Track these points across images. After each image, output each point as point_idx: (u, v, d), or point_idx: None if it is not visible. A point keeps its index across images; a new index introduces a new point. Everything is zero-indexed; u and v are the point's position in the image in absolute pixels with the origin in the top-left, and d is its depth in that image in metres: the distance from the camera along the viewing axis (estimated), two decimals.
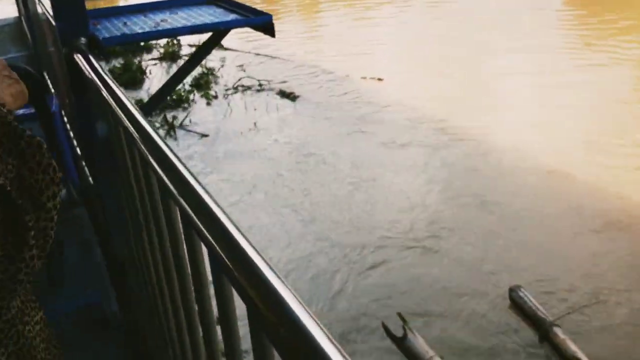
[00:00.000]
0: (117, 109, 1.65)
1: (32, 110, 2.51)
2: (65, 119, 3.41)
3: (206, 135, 6.06)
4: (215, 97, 7.16)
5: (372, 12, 11.41)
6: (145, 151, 1.38)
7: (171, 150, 1.22)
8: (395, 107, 6.50)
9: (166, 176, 1.23)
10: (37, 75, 2.29)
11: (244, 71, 8.02)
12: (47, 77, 5.56)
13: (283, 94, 7.07)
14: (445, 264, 3.85)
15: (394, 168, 5.25)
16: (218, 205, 0.87)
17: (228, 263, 0.69)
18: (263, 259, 0.66)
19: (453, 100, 6.54)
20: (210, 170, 5.37)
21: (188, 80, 7.65)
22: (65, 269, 2.22)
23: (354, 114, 6.35)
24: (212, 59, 8.40)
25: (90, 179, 3.19)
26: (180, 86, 7.40)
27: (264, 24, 2.19)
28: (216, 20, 2.26)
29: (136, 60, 8.51)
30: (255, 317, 0.64)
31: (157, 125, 6.44)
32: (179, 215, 1.12)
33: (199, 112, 6.69)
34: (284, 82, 7.62)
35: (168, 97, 7.01)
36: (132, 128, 1.49)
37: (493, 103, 6.52)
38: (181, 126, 6.29)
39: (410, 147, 5.60)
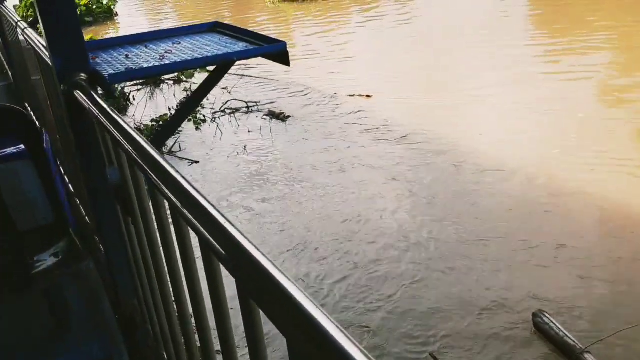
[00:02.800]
0: (131, 148, 1.50)
1: (22, 148, 2.33)
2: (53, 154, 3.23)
3: (196, 162, 5.88)
4: (204, 121, 6.99)
5: (343, 27, 11.43)
6: (169, 193, 1.24)
7: (198, 191, 1.07)
8: (388, 126, 6.40)
9: (180, 203, 1.10)
10: (28, 115, 2.11)
11: (230, 93, 7.86)
12: (30, 109, 5.35)
13: (273, 115, 6.93)
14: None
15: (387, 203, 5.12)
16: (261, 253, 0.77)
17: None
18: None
19: (442, 117, 6.50)
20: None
21: (174, 104, 7.48)
22: (73, 323, 2.05)
23: (346, 134, 6.23)
24: (195, 82, 8.25)
25: (86, 217, 3.00)
26: (166, 111, 7.23)
27: (278, 52, 2.05)
28: (228, 50, 2.11)
29: (118, 86, 8.30)
30: None
31: None
32: (220, 266, 0.99)
33: (188, 138, 6.51)
34: (272, 102, 7.49)
35: (155, 124, 6.84)
36: (150, 171, 1.35)
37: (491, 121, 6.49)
38: (170, 153, 6.11)
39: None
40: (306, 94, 7.65)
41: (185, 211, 1.12)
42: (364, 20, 11.65)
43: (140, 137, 1.50)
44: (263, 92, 7.93)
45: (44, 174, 2.28)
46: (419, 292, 3.70)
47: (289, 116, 6.83)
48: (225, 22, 2.63)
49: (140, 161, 1.45)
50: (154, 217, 1.64)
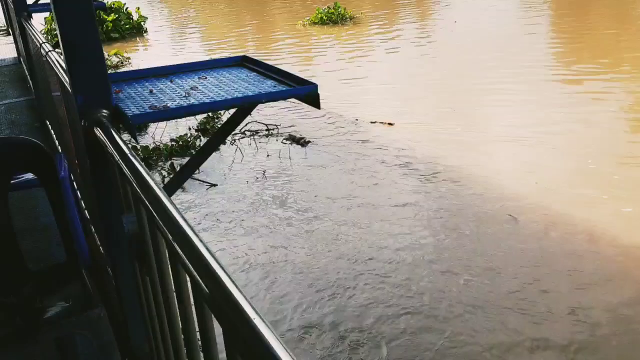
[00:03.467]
0: (150, 204, 1.41)
1: (35, 179, 2.25)
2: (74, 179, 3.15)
3: (214, 185, 5.80)
4: (223, 142, 6.92)
5: (370, 52, 11.34)
6: (172, 240, 1.16)
7: (203, 242, 1.09)
8: (415, 158, 6.28)
9: (197, 273, 1.04)
10: (42, 147, 2.03)
11: (250, 115, 7.76)
12: (50, 126, 5.32)
13: (293, 139, 6.85)
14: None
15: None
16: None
17: None
18: None
19: (475, 152, 6.32)
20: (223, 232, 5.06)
21: (194, 124, 7.43)
22: None
23: (368, 165, 6.10)
24: None
25: (101, 248, 2.91)
26: (186, 131, 7.18)
27: (309, 94, 1.95)
28: (256, 90, 2.02)
29: None
30: None
31: (164, 173, 6.18)
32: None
33: (207, 159, 6.39)
34: (292, 126, 7.41)
35: (174, 144, 6.78)
36: (169, 233, 1.26)
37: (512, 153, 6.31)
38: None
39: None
40: (328, 118, 7.57)
41: (204, 285, 1.03)
42: (390, 46, 11.52)
43: (162, 191, 1.41)
44: (284, 114, 7.86)
45: (58, 211, 2.20)
46: None
47: (309, 141, 6.75)
48: (252, 54, 2.54)
49: (158, 219, 1.35)
50: (169, 270, 1.55)
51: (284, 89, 1.99)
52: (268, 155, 6.51)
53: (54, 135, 4.97)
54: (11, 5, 7.20)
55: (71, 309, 1.94)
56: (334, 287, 4.03)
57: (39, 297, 1.99)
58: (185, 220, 1.27)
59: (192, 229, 1.21)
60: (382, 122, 7.19)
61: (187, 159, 6.70)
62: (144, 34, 14.81)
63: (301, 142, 6.69)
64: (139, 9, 15.32)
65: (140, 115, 1.78)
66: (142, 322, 1.87)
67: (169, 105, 1.95)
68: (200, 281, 1.04)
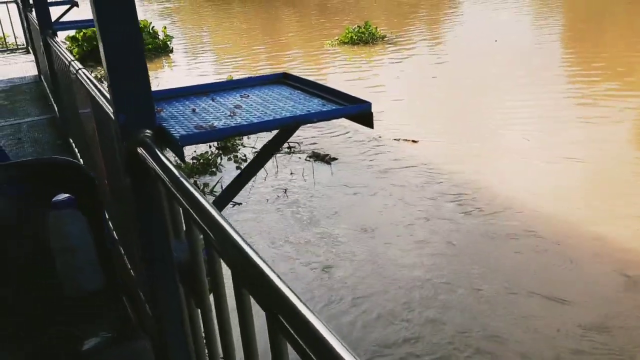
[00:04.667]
0: (206, 226, 1.31)
1: (73, 199, 2.16)
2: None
3: (239, 204, 5.72)
4: (245, 160, 6.85)
5: (394, 69, 11.24)
6: (238, 269, 1.07)
7: (274, 271, 1.00)
8: (438, 178, 6.13)
9: (275, 307, 0.94)
10: (84, 168, 1.94)
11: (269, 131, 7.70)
12: (74, 144, 5.27)
13: (317, 157, 6.76)
14: None
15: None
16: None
17: None
18: None
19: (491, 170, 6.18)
20: None
21: (214, 142, 7.37)
22: None
23: (395, 186, 5.95)
24: None
25: (131, 271, 2.81)
26: (207, 149, 7.12)
27: (361, 113, 1.85)
28: (305, 108, 1.93)
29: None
30: None
31: None
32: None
33: (231, 177, 6.34)
34: (314, 143, 7.32)
35: (195, 162, 6.72)
36: (217, 243, 1.18)
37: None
38: (212, 193, 5.96)
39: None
40: (349, 136, 7.47)
41: (284, 321, 0.92)
42: (417, 63, 11.38)
43: (220, 214, 1.31)
44: (305, 130, 7.78)
45: (98, 233, 2.11)
46: None
47: (334, 158, 6.65)
48: (293, 73, 2.46)
49: (217, 244, 1.25)
50: (226, 302, 1.45)
51: (336, 107, 1.89)
52: (292, 174, 6.42)
53: (78, 154, 4.92)
54: (34, 23, 7.22)
55: (113, 340, 1.84)
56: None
57: (77, 326, 1.90)
58: (250, 246, 1.17)
59: (259, 256, 1.12)
60: (406, 140, 7.09)
61: (208, 177, 6.63)
62: (170, 54, 14.61)
63: (326, 159, 6.59)
64: (165, 28, 15.22)
65: (189, 136, 1.69)
66: (187, 357, 1.77)
67: (215, 125, 1.87)
68: (283, 319, 0.93)
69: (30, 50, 11.02)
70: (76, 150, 5.02)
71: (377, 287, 4.24)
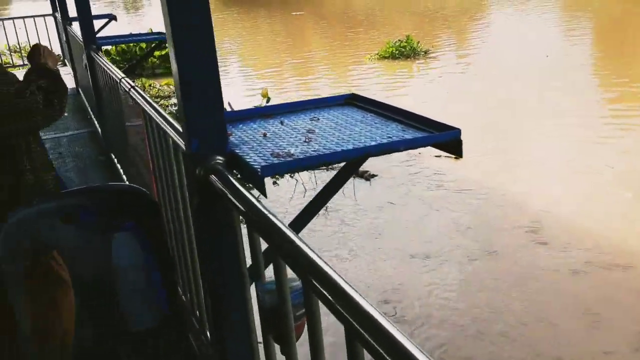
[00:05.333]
0: (286, 253, 1.20)
1: (137, 228, 2.06)
2: None
3: None
4: (282, 175, 6.76)
5: (438, 83, 11.07)
6: (349, 317, 0.96)
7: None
8: (482, 194, 5.94)
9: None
10: (149, 195, 1.84)
11: None
12: (115, 160, 5.22)
13: (357, 173, 6.62)
14: None
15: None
16: None
17: None
18: None
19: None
20: None
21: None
22: None
23: (439, 203, 5.78)
24: None
25: (184, 297, 2.70)
26: None
27: (450, 141, 1.72)
28: (387, 136, 1.80)
29: None
30: None
31: None
32: None
33: (268, 194, 6.21)
34: None
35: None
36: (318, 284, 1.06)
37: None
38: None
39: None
40: None
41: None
42: (461, 78, 11.09)
43: (313, 251, 1.20)
44: None
45: (162, 261, 2.00)
46: None
47: (374, 175, 6.52)
48: (361, 94, 2.34)
49: (317, 284, 1.13)
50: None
51: (422, 135, 1.76)
52: (344, 195, 6.30)
53: (121, 170, 4.87)
54: (75, 37, 7.24)
55: None
56: None
57: None
58: (352, 287, 1.05)
59: (366, 300, 0.99)
60: (447, 156, 6.93)
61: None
62: None
63: (365, 175, 6.46)
64: None
65: (270, 166, 1.57)
66: None
67: (292, 152, 1.75)
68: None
69: (67, 63, 11.12)
70: (118, 166, 4.97)
71: None
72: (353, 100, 2.31)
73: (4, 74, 1.96)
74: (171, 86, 12.03)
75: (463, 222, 5.43)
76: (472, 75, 11.41)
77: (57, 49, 11.97)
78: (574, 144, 7.23)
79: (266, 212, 1.40)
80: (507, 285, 4.32)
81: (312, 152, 1.71)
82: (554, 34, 15.18)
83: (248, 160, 1.70)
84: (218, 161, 1.77)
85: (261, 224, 1.42)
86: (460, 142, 1.72)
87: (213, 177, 1.73)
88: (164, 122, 2.35)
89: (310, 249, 1.19)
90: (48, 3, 11.21)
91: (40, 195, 1.96)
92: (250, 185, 1.86)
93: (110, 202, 1.93)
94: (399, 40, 12.86)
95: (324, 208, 5.98)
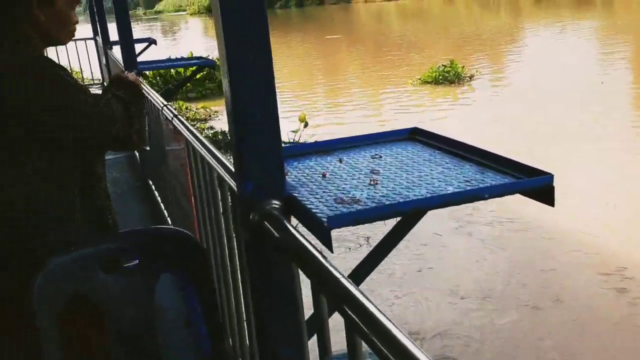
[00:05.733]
0: (360, 322, 1.01)
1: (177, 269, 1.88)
2: None
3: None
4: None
5: (461, 110, 10.78)
6: None
7: None
8: (530, 226, 5.59)
9: None
10: (196, 240, 1.67)
11: None
12: (153, 186, 5.10)
13: None
14: None
15: None
16: None
17: None
18: None
19: None
20: None
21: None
22: None
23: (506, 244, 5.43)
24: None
25: (227, 342, 2.51)
26: None
27: (540, 187, 1.50)
28: (465, 179, 1.59)
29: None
30: None
31: None
32: None
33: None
34: None
35: None
36: None
37: None
38: None
39: None
40: None
41: None
42: (512, 106, 10.63)
43: (386, 317, 1.00)
44: None
45: (209, 308, 1.83)
46: None
47: None
48: (422, 127, 2.14)
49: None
50: None
51: (508, 181, 1.54)
52: (385, 224, 5.98)
53: (158, 197, 4.75)
54: (116, 61, 7.24)
55: None
56: None
57: None
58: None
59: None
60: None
61: None
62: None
63: None
64: None
65: (338, 217, 1.38)
66: None
67: (357, 197, 1.55)
68: None
69: None
70: (156, 193, 4.85)
71: None
72: (416, 135, 2.11)
73: (81, 86, 1.84)
74: (208, 109, 12.03)
75: (516, 259, 5.14)
76: (516, 99, 11.04)
77: (97, 73, 12.13)
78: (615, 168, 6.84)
79: (338, 275, 1.21)
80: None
81: (381, 198, 1.51)
82: (593, 59, 14.77)
83: (309, 206, 1.51)
84: (274, 206, 1.58)
85: (328, 283, 1.23)
86: (552, 189, 1.50)
87: (268, 223, 1.55)
88: (211, 158, 2.19)
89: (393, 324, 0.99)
90: (89, 26, 11.36)
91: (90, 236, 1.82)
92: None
93: (153, 245, 1.76)
94: (443, 65, 12.51)
95: (366, 239, 5.76)
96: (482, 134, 8.56)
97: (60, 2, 1.81)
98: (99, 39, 10.88)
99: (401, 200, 1.47)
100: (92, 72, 12.31)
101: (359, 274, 1.76)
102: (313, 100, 12.91)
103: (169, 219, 4.24)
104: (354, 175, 1.75)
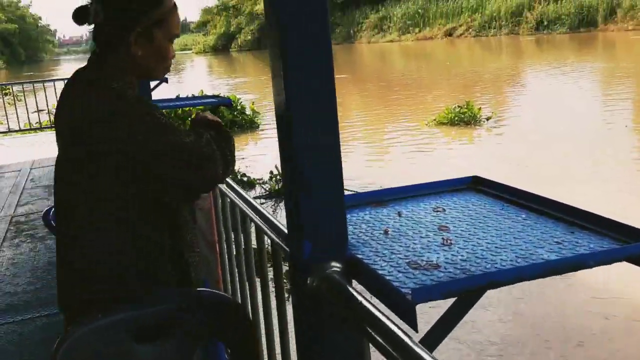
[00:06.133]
0: None
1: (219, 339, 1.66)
2: None
3: None
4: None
5: (476, 153, 10.57)
6: None
7: None
8: None
9: None
10: (241, 307, 1.49)
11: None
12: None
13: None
14: None
15: None
16: None
17: None
18: None
19: None
20: None
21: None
22: None
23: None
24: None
25: None
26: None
27: None
28: (555, 240, 1.37)
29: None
30: None
31: None
32: None
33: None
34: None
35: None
36: None
37: None
38: None
39: None
40: None
41: None
42: (531, 150, 10.25)
43: None
44: None
45: None
46: None
47: None
48: (485, 177, 1.93)
49: None
50: None
51: (616, 246, 1.32)
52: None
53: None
54: None
55: None
56: None
57: None
58: None
59: None
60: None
61: None
62: (257, 130, 13.77)
63: None
64: (253, 103, 14.58)
65: (425, 290, 1.15)
66: None
67: (433, 260, 1.33)
68: None
69: None
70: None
71: None
72: (478, 184, 1.90)
73: (177, 126, 1.69)
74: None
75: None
76: (540, 146, 10.64)
77: None
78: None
79: (421, 351, 0.99)
80: None
81: (463, 263, 1.30)
82: (599, 101, 14.67)
83: (381, 272, 1.29)
84: (335, 269, 1.37)
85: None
86: None
87: (327, 289, 1.34)
88: (259, 219, 1.97)
89: None
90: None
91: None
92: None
93: (190, 310, 1.53)
94: (458, 105, 12.25)
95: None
96: (514, 177, 8.28)
97: (159, 37, 1.70)
98: None
99: (489, 266, 1.25)
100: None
101: (430, 340, 1.53)
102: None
103: None
104: (420, 233, 1.53)
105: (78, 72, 1.73)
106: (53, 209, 2.24)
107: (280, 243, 1.69)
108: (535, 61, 25.10)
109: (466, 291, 1.17)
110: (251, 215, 2.02)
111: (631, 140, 10.52)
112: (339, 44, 49.57)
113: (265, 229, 1.84)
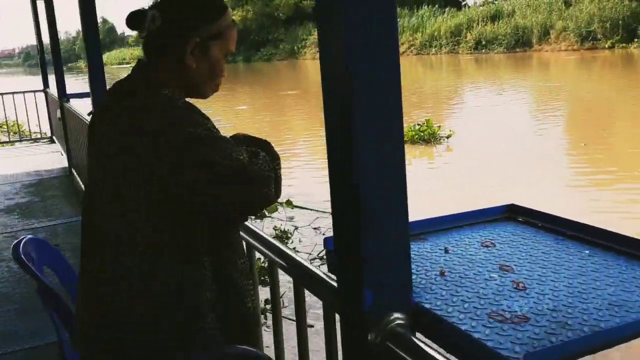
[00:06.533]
0: None
1: None
2: None
3: (311, 326, 4.89)
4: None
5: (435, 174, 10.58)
6: None
7: None
8: None
9: None
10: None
11: (324, 235, 6.98)
12: None
13: None
14: None
15: None
16: None
17: None
18: None
19: None
20: None
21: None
22: None
23: None
24: (281, 219, 7.47)
25: None
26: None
27: None
28: (637, 284, 1.22)
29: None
30: None
31: None
32: None
33: (289, 292, 5.51)
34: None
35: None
36: None
37: None
38: None
39: None
40: None
41: None
42: (487, 168, 10.22)
43: None
44: None
45: None
46: None
47: None
48: (519, 205, 1.77)
49: None
50: None
51: None
52: None
53: None
54: (76, 114, 6.68)
55: None
56: None
57: None
58: None
59: None
60: None
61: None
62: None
63: None
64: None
65: (541, 353, 0.96)
66: None
67: (517, 310, 1.14)
68: None
69: (56, 141, 10.50)
70: None
71: None
72: (514, 213, 1.74)
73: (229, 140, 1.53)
74: None
75: None
76: (496, 164, 10.66)
77: (45, 126, 11.40)
78: None
79: None
80: None
81: (552, 312, 1.11)
82: (541, 116, 15.05)
83: (464, 328, 1.09)
84: (400, 322, 1.16)
85: None
86: None
87: (394, 345, 1.13)
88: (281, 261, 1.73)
89: None
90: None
91: None
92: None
93: None
94: (418, 124, 12.26)
95: None
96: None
97: (216, 50, 1.54)
98: (50, 91, 10.24)
99: (585, 317, 1.07)
100: (39, 126, 11.53)
101: None
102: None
103: None
104: (482, 274, 1.34)
105: (121, 83, 1.56)
106: (24, 241, 1.94)
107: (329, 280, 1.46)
108: (480, 79, 25.71)
109: (583, 353, 0.98)
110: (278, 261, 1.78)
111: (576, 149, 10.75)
112: (283, 59, 49.56)
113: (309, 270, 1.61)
